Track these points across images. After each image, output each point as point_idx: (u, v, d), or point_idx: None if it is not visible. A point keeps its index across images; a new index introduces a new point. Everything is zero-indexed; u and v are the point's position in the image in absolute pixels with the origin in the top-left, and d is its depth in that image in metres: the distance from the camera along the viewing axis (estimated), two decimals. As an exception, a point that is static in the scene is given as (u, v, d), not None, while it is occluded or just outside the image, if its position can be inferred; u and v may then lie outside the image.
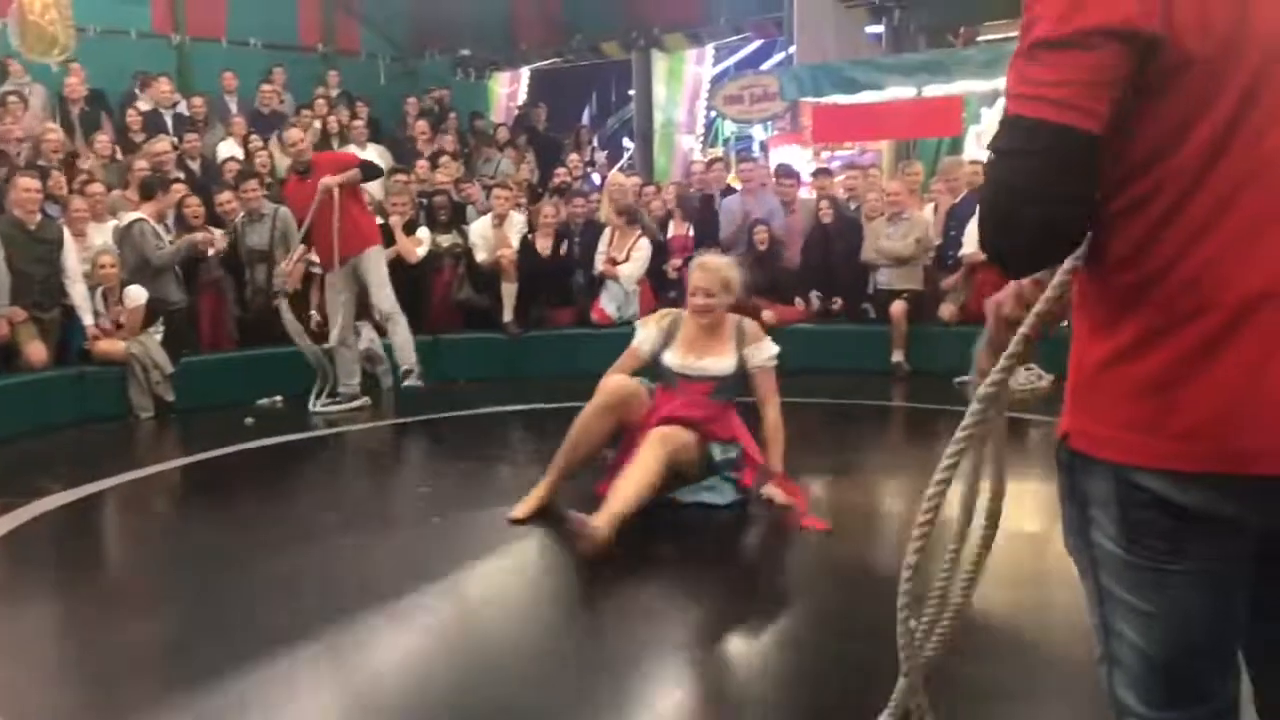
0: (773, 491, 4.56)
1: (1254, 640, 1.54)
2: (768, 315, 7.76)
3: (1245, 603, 1.46)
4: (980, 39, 13.08)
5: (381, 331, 7.82)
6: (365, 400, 7.52)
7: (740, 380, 4.75)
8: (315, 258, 7.93)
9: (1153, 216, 1.35)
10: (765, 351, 4.76)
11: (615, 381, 4.71)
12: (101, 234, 7.74)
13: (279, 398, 7.71)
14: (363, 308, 7.76)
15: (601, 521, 4.00)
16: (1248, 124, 1.32)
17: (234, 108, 11.38)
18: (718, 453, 4.67)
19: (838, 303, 8.59)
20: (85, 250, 7.51)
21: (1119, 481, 1.41)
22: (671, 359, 4.77)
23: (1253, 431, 1.33)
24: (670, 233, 9.01)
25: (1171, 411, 1.35)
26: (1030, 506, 4.81)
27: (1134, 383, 1.39)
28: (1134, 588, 1.44)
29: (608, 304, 8.69)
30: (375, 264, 7.46)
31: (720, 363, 4.70)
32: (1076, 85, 1.30)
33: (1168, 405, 1.36)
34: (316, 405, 7.44)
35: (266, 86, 11.61)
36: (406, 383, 7.45)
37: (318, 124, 10.94)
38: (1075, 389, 1.47)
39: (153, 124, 10.21)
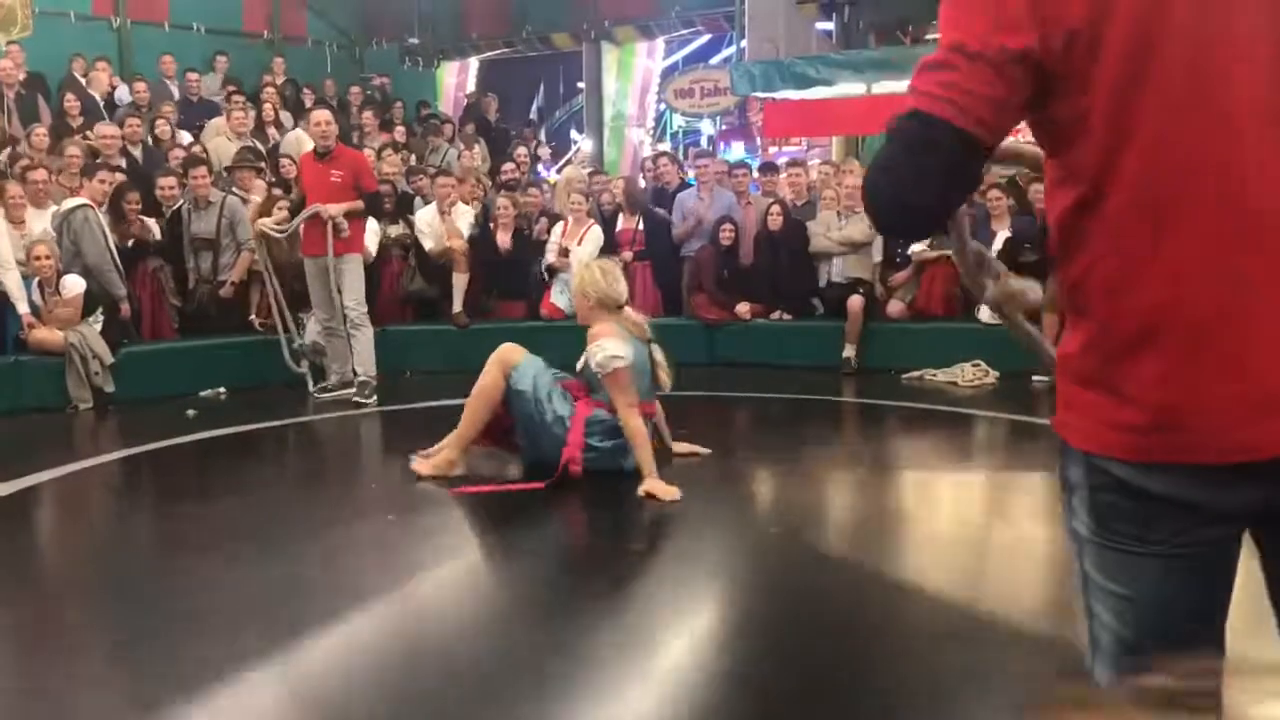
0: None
1: None
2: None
3: (1225, 587, 1.49)
4: (929, 37, 13.21)
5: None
6: (354, 389, 7.41)
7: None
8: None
9: (1075, 218, 1.41)
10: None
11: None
12: (41, 221, 7.56)
13: (222, 389, 7.61)
14: (304, 297, 7.68)
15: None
16: (1134, 139, 1.35)
17: (175, 93, 11.20)
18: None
19: (779, 316, 8.65)
20: (24, 238, 7.34)
21: (1088, 466, 1.47)
22: None
23: (1190, 426, 1.37)
24: (619, 226, 9.00)
25: (1120, 403, 1.41)
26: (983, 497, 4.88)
27: (1088, 375, 1.45)
28: (1105, 571, 1.49)
29: (558, 297, 8.65)
30: (350, 269, 7.40)
31: None
32: (978, 97, 1.35)
33: (1117, 397, 1.41)
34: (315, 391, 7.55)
35: (192, 75, 11.42)
36: (357, 397, 7.29)
37: (255, 112, 10.80)
38: (1058, 378, 1.53)
39: (91, 109, 10.00)
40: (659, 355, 5.02)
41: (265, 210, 8.00)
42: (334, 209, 7.16)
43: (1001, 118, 1.38)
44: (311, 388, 7.61)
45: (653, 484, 4.70)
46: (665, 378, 5.02)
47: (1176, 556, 1.44)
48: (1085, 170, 1.38)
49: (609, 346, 4.80)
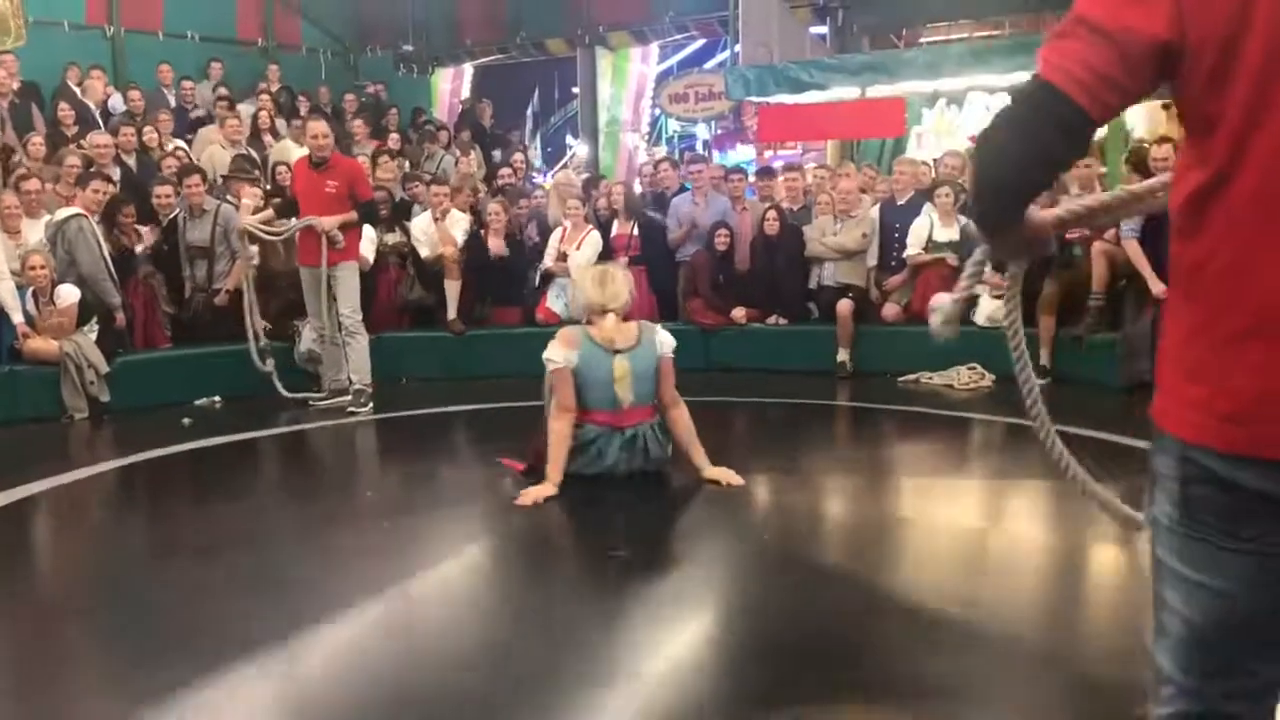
0: None
1: None
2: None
3: None
4: (922, 41, 13.25)
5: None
6: (349, 398, 7.35)
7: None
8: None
9: (1200, 202, 1.43)
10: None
11: None
12: (35, 231, 7.55)
13: (217, 398, 7.60)
14: (301, 307, 7.69)
15: None
16: (1267, 129, 1.36)
17: (171, 101, 11.20)
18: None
19: (775, 320, 8.64)
20: (19, 248, 7.33)
21: (1181, 458, 1.47)
22: None
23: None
24: (614, 231, 8.99)
25: (1219, 395, 1.42)
26: (988, 501, 4.87)
27: (1192, 363, 1.46)
28: (1188, 561, 1.49)
29: (554, 302, 8.65)
30: (346, 277, 7.37)
31: None
32: (1105, 80, 1.40)
33: (1216, 388, 1.42)
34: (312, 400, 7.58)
35: (187, 83, 11.42)
36: (353, 405, 7.27)
37: (258, 115, 10.84)
38: (1157, 365, 1.54)
39: (85, 118, 10.00)
40: (620, 369, 4.93)
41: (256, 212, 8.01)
42: (328, 223, 7.15)
43: (1123, 100, 1.42)
44: (280, 389, 7.59)
45: (531, 489, 4.84)
46: (621, 393, 4.94)
47: (1260, 553, 1.44)
48: (1216, 155, 1.39)
49: (549, 349, 5.00)
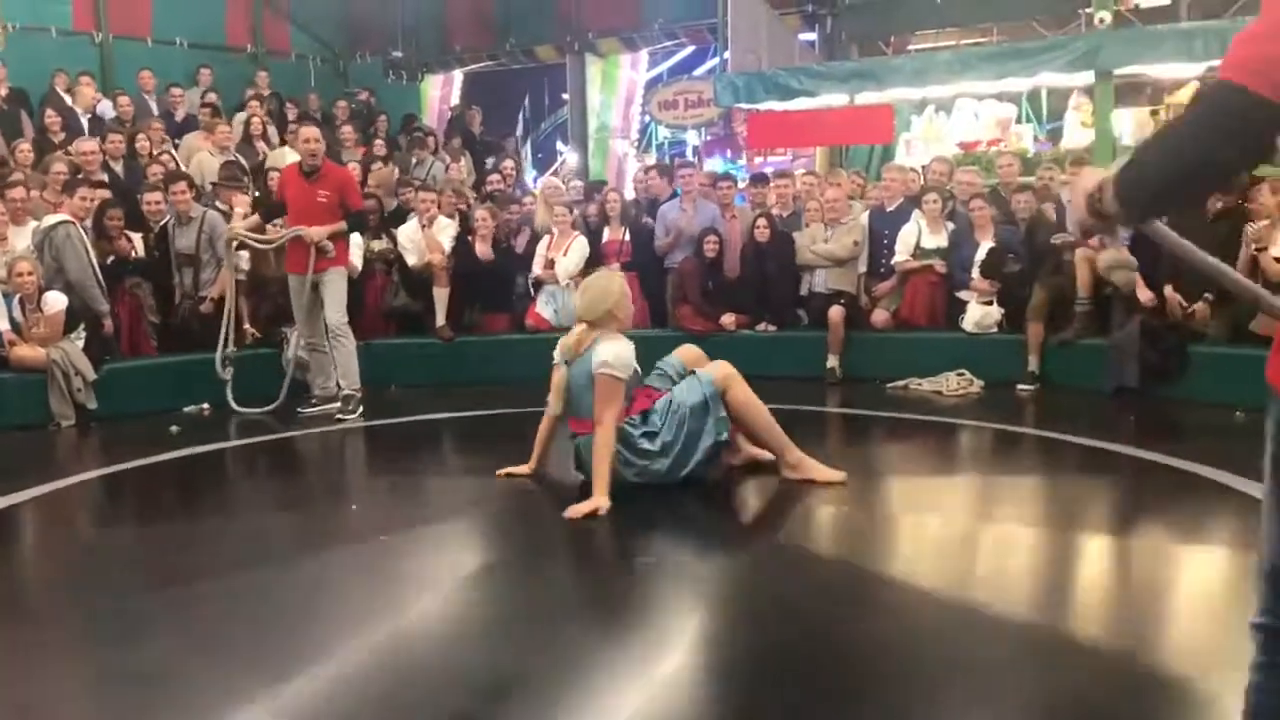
0: None
1: None
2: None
3: None
4: (911, 48, 13.29)
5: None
6: (338, 404, 7.34)
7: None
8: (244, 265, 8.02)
9: None
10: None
11: None
12: (22, 237, 7.52)
13: (206, 405, 7.58)
14: (290, 313, 7.68)
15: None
16: None
17: (154, 108, 11.16)
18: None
19: (764, 327, 8.62)
20: (6, 254, 7.31)
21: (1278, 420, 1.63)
22: None
23: None
24: (605, 237, 9.00)
25: None
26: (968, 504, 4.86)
27: None
28: (1272, 516, 1.71)
29: (544, 308, 8.65)
30: (333, 282, 7.38)
31: None
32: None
33: None
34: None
35: (176, 90, 11.40)
36: (341, 412, 7.26)
37: (250, 121, 10.83)
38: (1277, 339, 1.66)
39: (72, 124, 9.97)
40: (556, 378, 5.05)
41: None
42: (316, 234, 7.17)
43: None
44: (231, 401, 7.54)
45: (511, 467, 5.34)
46: (551, 400, 5.15)
47: None
48: None
49: None
